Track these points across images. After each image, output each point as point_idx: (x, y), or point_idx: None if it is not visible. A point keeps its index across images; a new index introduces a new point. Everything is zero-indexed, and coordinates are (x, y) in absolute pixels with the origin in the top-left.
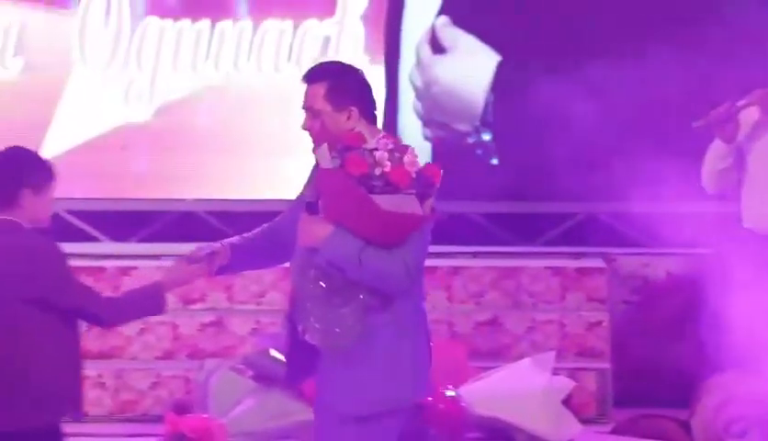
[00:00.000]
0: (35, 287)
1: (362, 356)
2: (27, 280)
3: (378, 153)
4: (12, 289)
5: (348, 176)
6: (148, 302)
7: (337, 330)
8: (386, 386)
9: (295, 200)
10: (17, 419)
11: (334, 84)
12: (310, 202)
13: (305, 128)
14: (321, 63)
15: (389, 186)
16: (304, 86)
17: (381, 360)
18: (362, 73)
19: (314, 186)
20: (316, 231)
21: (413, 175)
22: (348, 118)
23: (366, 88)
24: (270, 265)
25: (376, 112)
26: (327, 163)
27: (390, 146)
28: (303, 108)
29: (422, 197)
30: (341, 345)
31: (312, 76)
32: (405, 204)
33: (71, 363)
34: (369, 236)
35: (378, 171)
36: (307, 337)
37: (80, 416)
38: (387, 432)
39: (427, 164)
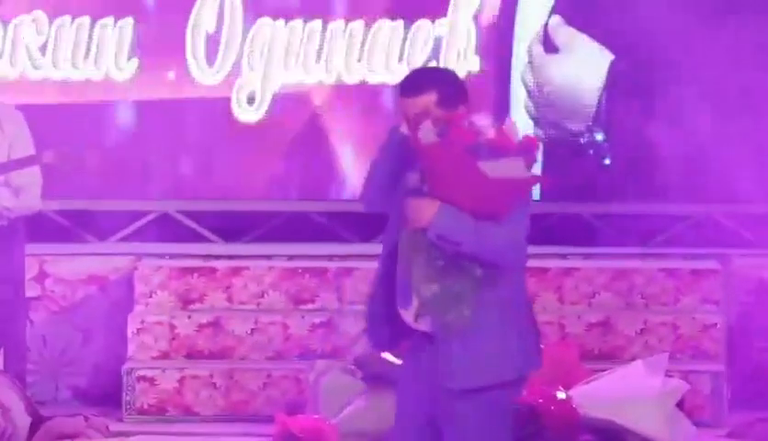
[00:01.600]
0: None
1: (473, 331)
2: None
3: (480, 123)
4: None
5: (454, 146)
6: None
7: (452, 310)
8: (496, 361)
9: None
10: None
11: (444, 91)
12: (413, 188)
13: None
14: (421, 73)
15: (495, 152)
16: (408, 98)
17: (492, 335)
18: (455, 71)
19: (417, 169)
20: (425, 210)
21: (516, 141)
22: None
23: (464, 84)
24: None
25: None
26: (431, 138)
27: (489, 120)
28: (411, 118)
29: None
30: (455, 325)
31: (420, 88)
32: (512, 168)
33: None
34: (478, 206)
35: (482, 139)
36: (417, 322)
37: None
38: (494, 404)
39: (525, 135)
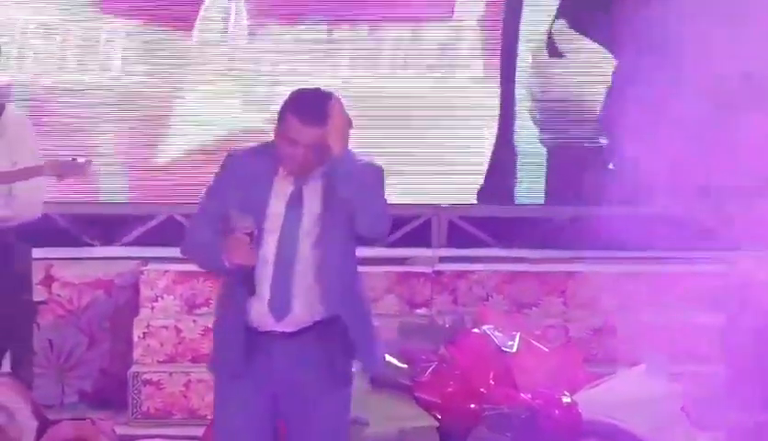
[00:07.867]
0: None
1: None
2: None
3: None
4: None
5: None
6: None
7: None
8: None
9: None
10: None
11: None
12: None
13: (302, 160)
14: (318, 105)
15: None
16: (303, 126)
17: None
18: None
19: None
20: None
21: None
22: None
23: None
24: None
25: None
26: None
27: None
28: (301, 144)
29: None
30: None
31: (320, 120)
32: None
33: None
34: None
35: None
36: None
37: None
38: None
39: None
